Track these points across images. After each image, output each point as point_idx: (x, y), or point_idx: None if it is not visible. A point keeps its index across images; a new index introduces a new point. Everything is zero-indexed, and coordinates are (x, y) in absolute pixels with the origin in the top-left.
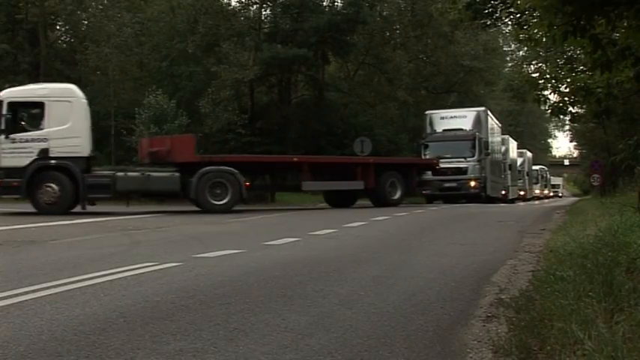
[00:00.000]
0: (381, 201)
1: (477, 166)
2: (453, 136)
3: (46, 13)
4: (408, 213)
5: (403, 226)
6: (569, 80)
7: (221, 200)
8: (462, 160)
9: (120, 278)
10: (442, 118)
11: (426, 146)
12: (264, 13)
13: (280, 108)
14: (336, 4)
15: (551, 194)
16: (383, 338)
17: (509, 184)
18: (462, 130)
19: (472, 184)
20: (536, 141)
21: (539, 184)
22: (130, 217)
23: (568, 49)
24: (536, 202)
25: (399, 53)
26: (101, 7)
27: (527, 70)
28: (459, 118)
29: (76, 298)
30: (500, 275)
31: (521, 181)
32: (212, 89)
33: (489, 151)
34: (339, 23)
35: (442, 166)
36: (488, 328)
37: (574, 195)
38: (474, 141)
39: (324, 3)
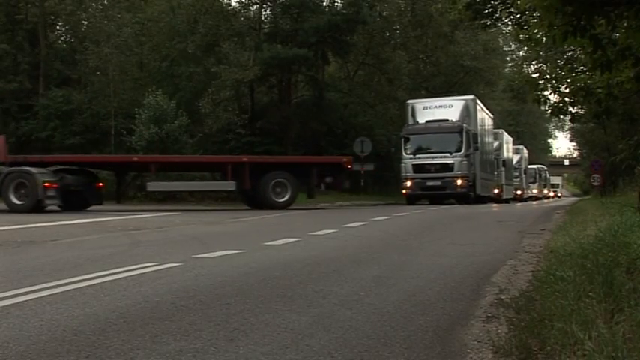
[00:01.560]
0: (262, 203)
1: (465, 162)
2: (437, 127)
3: (46, 14)
4: (409, 213)
5: (403, 226)
6: (569, 80)
7: (22, 200)
8: (447, 155)
9: (120, 278)
10: (425, 107)
11: (407, 140)
12: (264, 13)
13: (280, 108)
14: (336, 4)
15: (551, 194)
16: (383, 338)
17: (504, 182)
18: (447, 121)
19: (459, 182)
20: (536, 141)
21: (536, 184)
22: (131, 217)
23: (568, 49)
24: (534, 202)
25: (399, 53)
26: (101, 7)
27: (527, 71)
28: (445, 108)
29: (76, 299)
30: (501, 275)
31: (518, 179)
32: (212, 89)
33: (478, 145)
34: (339, 23)
35: (425, 162)
36: (488, 329)
37: (574, 195)
38: (461, 134)
39: (324, 3)
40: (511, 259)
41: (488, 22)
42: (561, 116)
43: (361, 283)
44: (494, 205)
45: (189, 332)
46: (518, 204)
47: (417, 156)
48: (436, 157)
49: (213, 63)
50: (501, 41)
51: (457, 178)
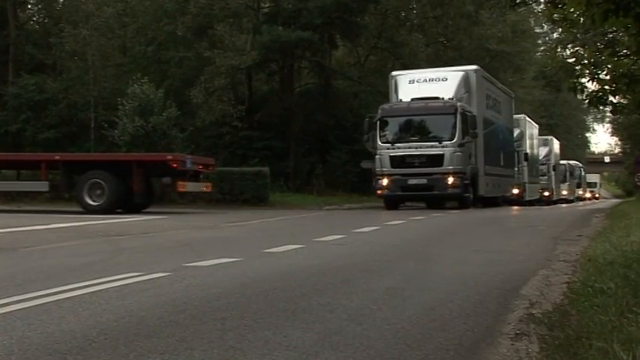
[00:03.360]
0: (82, 206)
1: (458, 154)
2: (423, 107)
3: None
4: (426, 217)
5: (420, 230)
6: (610, 66)
7: None
8: (436, 144)
9: (101, 290)
10: (412, 81)
11: (383, 124)
12: None
13: (282, 98)
14: None
15: (587, 195)
16: (398, 358)
17: (526, 180)
18: (437, 99)
19: (450, 180)
20: (572, 135)
21: (567, 183)
22: (112, 221)
23: (609, 30)
24: (564, 205)
25: (416, 36)
26: None
27: (562, 55)
28: (437, 82)
29: (50, 313)
30: (531, 287)
31: (546, 178)
32: (205, 77)
33: (476, 131)
34: (348, 2)
35: (406, 153)
36: (517, 348)
37: (615, 196)
38: (455, 115)
39: None
40: (543, 268)
41: (518, 1)
42: (601, 107)
43: (373, 296)
44: (515, 208)
45: (179, 351)
46: (546, 207)
47: (396, 145)
48: (421, 147)
49: (206, 47)
50: (532, 22)
51: (448, 174)
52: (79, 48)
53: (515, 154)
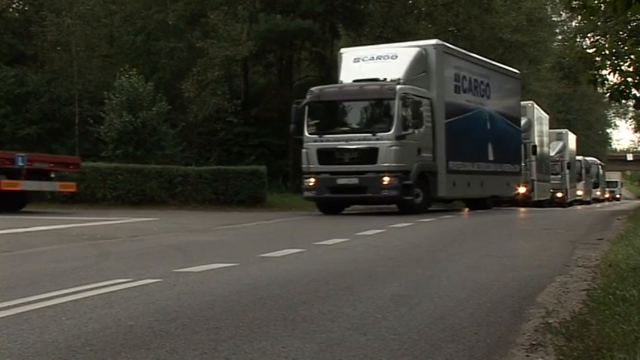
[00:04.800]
0: None
1: (396, 149)
2: (356, 92)
3: None
4: (435, 219)
5: (429, 234)
6: (632, 57)
7: None
8: (370, 136)
9: (86, 298)
10: (357, 59)
11: (313, 110)
12: None
13: (280, 92)
14: None
15: (606, 196)
16: None
17: (534, 177)
18: (377, 80)
19: (385, 180)
20: (592, 131)
21: (583, 182)
22: (98, 224)
23: (632, 18)
24: (579, 207)
25: (424, 25)
26: None
27: (581, 45)
28: (385, 61)
29: (31, 323)
30: (548, 295)
31: (559, 176)
32: (197, 69)
33: (427, 119)
34: None
35: (335, 146)
36: (532, 359)
37: (638, 197)
38: (393, 101)
39: None
40: (560, 274)
41: None
42: (623, 101)
43: (377, 304)
44: (521, 209)
45: None
46: (559, 209)
47: (325, 137)
48: (352, 140)
49: (199, 37)
50: (549, 9)
51: (383, 174)
52: (63, 38)
53: (522, 147)
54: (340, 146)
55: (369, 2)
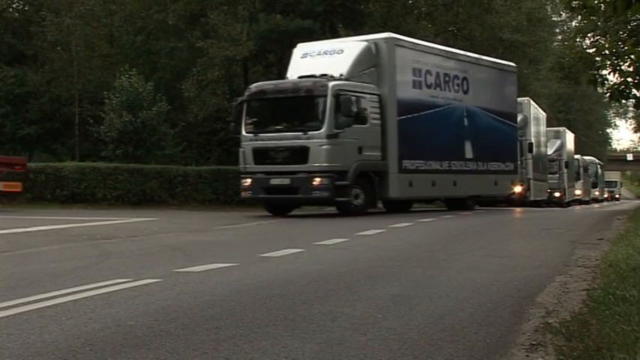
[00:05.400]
0: None
1: (328, 147)
2: (291, 89)
3: None
4: (435, 219)
5: (429, 234)
6: (632, 57)
7: None
8: (301, 134)
9: (86, 298)
10: (304, 55)
11: (250, 108)
12: None
13: None
14: None
15: (605, 196)
16: None
17: (531, 176)
18: (313, 77)
19: (316, 181)
20: (591, 131)
21: (581, 181)
22: (98, 224)
23: (632, 18)
24: (577, 207)
25: (424, 25)
26: None
27: (581, 45)
28: (331, 56)
29: (32, 323)
30: (548, 295)
31: (556, 176)
32: (197, 69)
33: (374, 116)
34: None
35: (269, 145)
36: (532, 359)
37: (638, 197)
38: (324, 99)
39: None
40: (560, 274)
41: None
42: (623, 101)
43: (377, 304)
44: (518, 209)
45: None
46: (557, 209)
47: (260, 136)
48: (284, 139)
49: (199, 37)
50: (549, 9)
51: (314, 173)
52: (62, 37)
53: (518, 144)
54: (273, 145)
55: (369, 2)
